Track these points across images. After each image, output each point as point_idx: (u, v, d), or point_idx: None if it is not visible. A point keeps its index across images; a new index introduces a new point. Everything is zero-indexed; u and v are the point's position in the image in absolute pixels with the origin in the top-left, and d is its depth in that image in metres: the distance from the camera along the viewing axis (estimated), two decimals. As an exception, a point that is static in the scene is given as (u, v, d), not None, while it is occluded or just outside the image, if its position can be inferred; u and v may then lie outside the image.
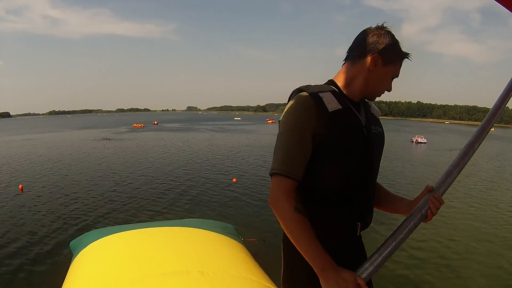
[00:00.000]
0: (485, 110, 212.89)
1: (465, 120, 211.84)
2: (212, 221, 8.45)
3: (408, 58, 1.59)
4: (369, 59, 1.51)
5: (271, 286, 3.09)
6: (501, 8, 1.47)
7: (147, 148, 39.22)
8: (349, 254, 1.51)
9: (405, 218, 1.48)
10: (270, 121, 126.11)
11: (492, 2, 1.38)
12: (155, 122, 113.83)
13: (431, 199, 1.47)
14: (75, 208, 15.29)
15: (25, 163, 28.25)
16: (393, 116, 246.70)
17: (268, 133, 66.71)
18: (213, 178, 21.78)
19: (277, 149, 1.47)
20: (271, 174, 1.42)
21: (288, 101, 1.57)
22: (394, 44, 1.53)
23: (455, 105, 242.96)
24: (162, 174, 23.42)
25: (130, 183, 20.46)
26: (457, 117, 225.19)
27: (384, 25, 1.55)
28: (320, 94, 1.47)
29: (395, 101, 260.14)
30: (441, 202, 1.48)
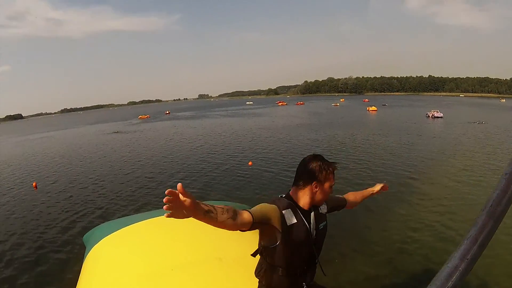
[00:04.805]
0: (497, 81, 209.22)
1: (478, 92, 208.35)
2: (227, 202, 8.14)
3: (336, 167, 2.38)
4: (311, 186, 2.30)
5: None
6: None
7: (159, 138, 39.05)
8: None
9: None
10: (281, 104, 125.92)
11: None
12: (167, 112, 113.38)
13: None
14: (89, 201, 15.25)
15: (38, 161, 28.42)
16: (405, 91, 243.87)
17: (279, 115, 66.89)
18: (229, 163, 21.56)
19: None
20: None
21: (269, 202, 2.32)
22: (325, 167, 2.32)
23: (467, 78, 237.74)
24: (176, 161, 23.31)
25: (143, 172, 20.34)
26: (470, 89, 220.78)
27: (316, 153, 2.40)
28: (283, 212, 2.22)
29: (406, 77, 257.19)
30: None
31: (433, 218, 10.92)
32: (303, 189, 2.31)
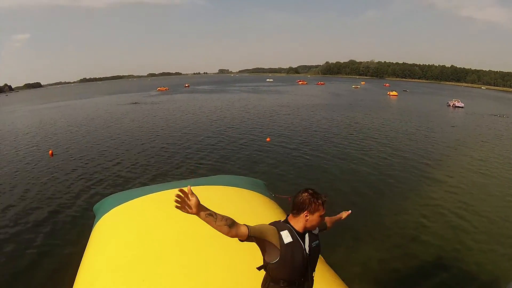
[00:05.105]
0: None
1: (500, 86, 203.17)
2: (241, 177, 8.08)
3: (325, 199, 2.70)
4: (303, 215, 2.66)
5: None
6: None
7: (178, 110, 39.10)
8: None
9: None
10: (301, 83, 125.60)
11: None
12: (186, 85, 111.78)
13: None
14: (104, 169, 15.39)
15: (55, 129, 28.70)
16: (427, 79, 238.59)
17: (299, 94, 66.24)
18: (246, 137, 21.62)
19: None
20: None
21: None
22: (316, 199, 2.65)
23: (490, 71, 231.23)
24: (194, 134, 23.44)
25: (160, 143, 20.54)
26: (492, 82, 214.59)
27: (308, 188, 2.74)
28: (281, 232, 2.61)
29: (429, 64, 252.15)
30: None
31: (446, 206, 10.82)
32: (297, 217, 2.69)
